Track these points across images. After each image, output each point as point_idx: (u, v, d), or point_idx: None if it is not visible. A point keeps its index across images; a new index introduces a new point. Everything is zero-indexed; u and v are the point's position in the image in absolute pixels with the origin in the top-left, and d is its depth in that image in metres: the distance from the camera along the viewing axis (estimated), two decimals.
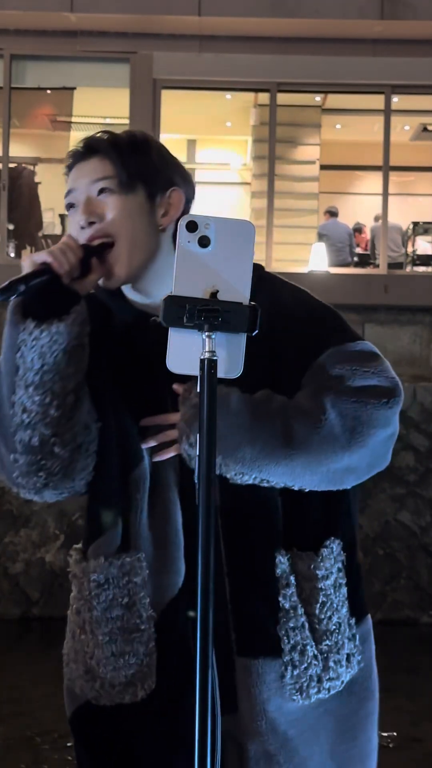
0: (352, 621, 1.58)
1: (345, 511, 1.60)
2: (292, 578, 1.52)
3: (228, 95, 11.29)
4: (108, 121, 11.35)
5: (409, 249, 11.47)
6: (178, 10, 9.35)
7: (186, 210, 1.61)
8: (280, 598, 1.51)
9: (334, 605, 1.55)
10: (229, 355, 1.23)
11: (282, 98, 10.39)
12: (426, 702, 5.76)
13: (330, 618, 1.54)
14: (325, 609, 1.54)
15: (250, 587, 1.52)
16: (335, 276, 9.79)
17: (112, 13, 9.36)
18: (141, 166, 1.55)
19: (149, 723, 1.54)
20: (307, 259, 9.98)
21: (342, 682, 1.55)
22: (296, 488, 1.50)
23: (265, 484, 1.49)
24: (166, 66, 9.88)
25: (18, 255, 10.38)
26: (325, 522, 1.58)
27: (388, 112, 10.21)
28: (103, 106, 11.51)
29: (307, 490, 1.51)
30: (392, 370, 1.56)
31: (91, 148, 1.57)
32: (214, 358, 1.18)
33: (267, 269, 1.63)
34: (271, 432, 1.46)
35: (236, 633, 1.50)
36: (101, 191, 1.54)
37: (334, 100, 11.79)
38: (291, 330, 1.55)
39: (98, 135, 1.59)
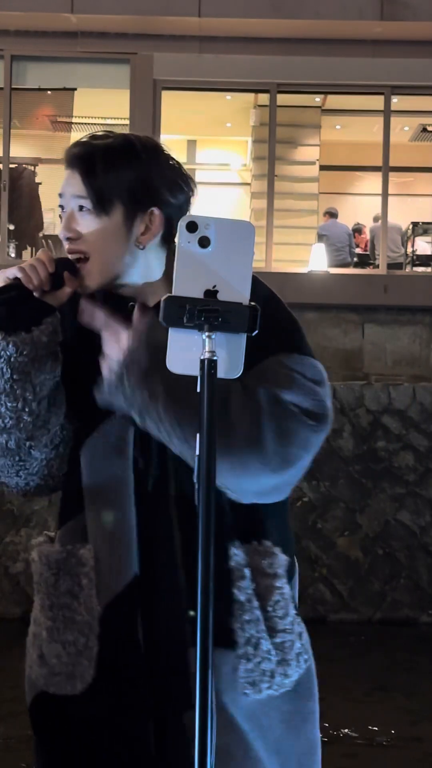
0: (299, 619, 1.61)
1: (283, 512, 1.64)
2: (246, 571, 1.53)
3: (228, 96, 11.29)
4: (108, 121, 11.34)
5: (409, 249, 11.48)
6: (178, 11, 9.35)
7: (169, 221, 1.57)
8: (235, 590, 1.53)
9: (287, 603, 1.58)
10: (229, 355, 1.23)
11: (282, 99, 10.40)
12: (425, 701, 5.76)
13: (284, 617, 1.57)
14: (279, 607, 1.56)
15: None
16: (335, 276, 9.79)
17: (112, 14, 9.37)
18: (118, 184, 1.53)
19: (89, 718, 1.56)
20: (307, 259, 9.97)
21: (291, 680, 1.58)
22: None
23: (176, 447, 1.44)
24: (166, 67, 9.89)
25: (18, 255, 10.39)
26: (268, 520, 1.59)
27: (387, 112, 10.22)
28: (103, 106, 11.50)
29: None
30: (329, 399, 1.53)
31: (70, 163, 1.57)
32: (214, 358, 1.19)
33: (267, 270, 1.63)
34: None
35: (191, 623, 1.50)
36: (80, 207, 1.56)
37: (334, 101, 11.79)
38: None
39: (80, 147, 1.57)
